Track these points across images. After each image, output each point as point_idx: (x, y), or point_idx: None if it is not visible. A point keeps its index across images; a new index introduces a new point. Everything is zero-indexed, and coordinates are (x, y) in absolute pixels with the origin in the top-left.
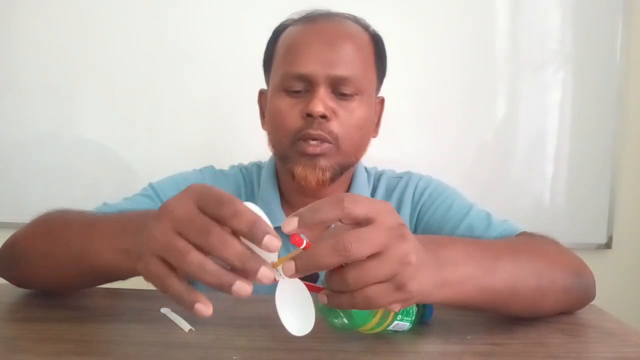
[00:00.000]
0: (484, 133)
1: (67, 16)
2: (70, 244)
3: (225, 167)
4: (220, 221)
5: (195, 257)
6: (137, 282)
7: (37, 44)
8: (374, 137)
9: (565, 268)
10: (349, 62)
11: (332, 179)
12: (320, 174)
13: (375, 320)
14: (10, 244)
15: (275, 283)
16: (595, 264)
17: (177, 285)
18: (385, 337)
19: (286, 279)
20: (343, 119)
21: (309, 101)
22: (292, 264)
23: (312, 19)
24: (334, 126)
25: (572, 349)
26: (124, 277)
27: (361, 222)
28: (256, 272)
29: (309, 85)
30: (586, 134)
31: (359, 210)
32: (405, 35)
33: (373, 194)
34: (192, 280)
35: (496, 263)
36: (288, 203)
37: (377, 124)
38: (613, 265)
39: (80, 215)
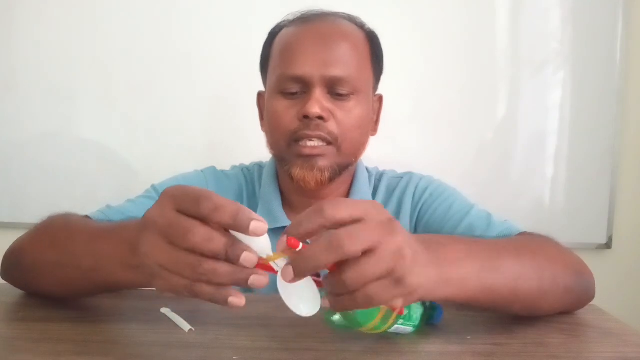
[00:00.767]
0: (484, 133)
1: (67, 16)
2: (78, 258)
3: (227, 168)
4: (203, 219)
5: (207, 264)
6: None
7: (37, 44)
8: (373, 135)
9: (566, 268)
10: (344, 62)
11: (331, 179)
12: (319, 174)
13: (378, 318)
14: (16, 251)
15: (274, 274)
16: (595, 264)
17: (206, 288)
18: (386, 337)
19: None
20: (340, 119)
21: (305, 103)
22: (289, 269)
23: (307, 20)
24: (332, 127)
25: (572, 349)
26: (138, 288)
27: (349, 224)
28: (239, 257)
29: (304, 86)
30: (586, 134)
31: (342, 213)
32: (405, 35)
33: (374, 194)
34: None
35: (497, 262)
36: (289, 203)
37: (376, 122)
38: (613, 265)
39: (84, 224)
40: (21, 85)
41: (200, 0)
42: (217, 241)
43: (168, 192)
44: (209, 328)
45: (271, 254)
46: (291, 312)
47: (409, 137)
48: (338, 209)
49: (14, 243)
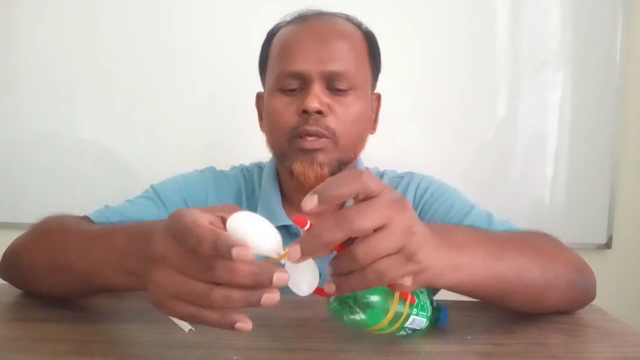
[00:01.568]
0: (484, 133)
1: (67, 16)
2: (72, 262)
3: (226, 168)
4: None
5: (219, 292)
6: None
7: (37, 45)
8: (372, 133)
9: (569, 264)
10: (342, 57)
11: (331, 174)
12: (319, 168)
13: (390, 316)
14: (13, 252)
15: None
16: (595, 264)
17: (212, 315)
18: (386, 337)
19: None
20: (339, 114)
21: (305, 98)
22: (297, 247)
23: (304, 19)
24: (331, 121)
25: (572, 349)
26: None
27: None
28: (271, 280)
29: (303, 82)
30: (586, 133)
31: (374, 185)
32: (405, 35)
33: None
34: None
35: (502, 251)
36: (289, 202)
37: (375, 120)
38: (613, 265)
39: (76, 228)
40: (21, 85)
41: (201, 1)
42: (240, 271)
43: (169, 228)
44: (209, 328)
45: (282, 251)
46: (291, 312)
47: (409, 137)
48: (372, 180)
49: (12, 243)
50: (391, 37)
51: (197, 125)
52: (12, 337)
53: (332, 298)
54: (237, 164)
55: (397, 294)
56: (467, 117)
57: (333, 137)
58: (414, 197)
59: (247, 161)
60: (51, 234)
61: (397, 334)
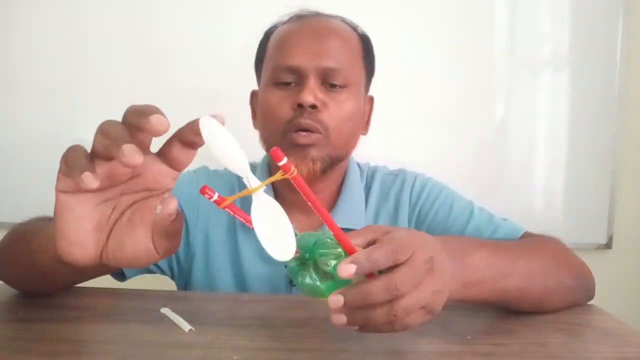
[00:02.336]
0: (484, 133)
1: (66, 17)
2: (45, 248)
3: (220, 167)
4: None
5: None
6: (137, 282)
7: (36, 45)
8: (364, 134)
9: (570, 269)
10: (337, 54)
11: (323, 171)
12: (311, 164)
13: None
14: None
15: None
16: (595, 264)
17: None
18: (386, 337)
19: (262, 198)
20: (333, 110)
21: (299, 92)
22: (339, 298)
23: (301, 17)
24: (324, 117)
25: (572, 349)
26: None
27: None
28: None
29: (298, 77)
30: (586, 134)
31: (406, 254)
32: (405, 35)
33: (367, 191)
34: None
35: (513, 267)
36: (282, 200)
37: (367, 122)
38: (613, 265)
39: (37, 224)
40: (21, 85)
41: (201, 1)
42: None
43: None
44: (209, 328)
45: (250, 175)
46: (291, 312)
47: (409, 137)
48: (405, 249)
49: None
50: (391, 38)
51: None
52: (12, 337)
53: (294, 256)
54: None
55: None
56: (467, 117)
57: (325, 132)
58: (410, 198)
59: None
60: (24, 230)
61: None
